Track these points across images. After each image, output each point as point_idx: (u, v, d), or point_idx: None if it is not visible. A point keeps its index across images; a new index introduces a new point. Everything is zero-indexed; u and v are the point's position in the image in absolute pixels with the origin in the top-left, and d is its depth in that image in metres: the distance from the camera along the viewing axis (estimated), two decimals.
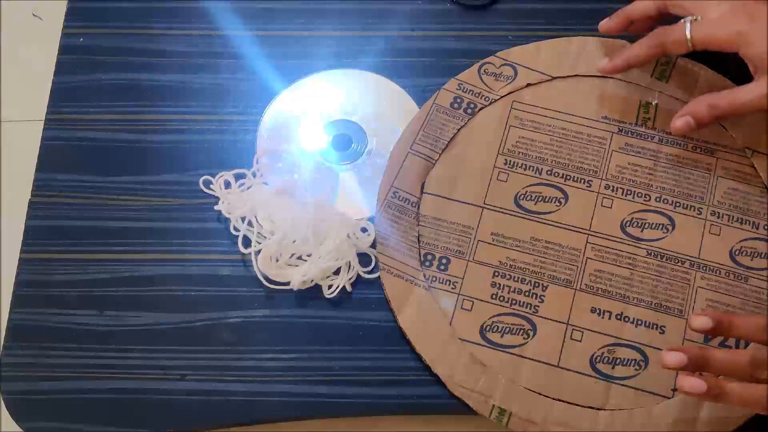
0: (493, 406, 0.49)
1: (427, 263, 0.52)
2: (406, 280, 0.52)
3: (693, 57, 0.57)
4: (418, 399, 0.50)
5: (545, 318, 0.51)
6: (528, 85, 0.57)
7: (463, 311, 0.51)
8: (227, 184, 0.55)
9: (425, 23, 0.61)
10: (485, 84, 0.57)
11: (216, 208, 0.54)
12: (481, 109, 0.56)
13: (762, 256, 0.51)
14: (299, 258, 0.52)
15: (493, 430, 0.57)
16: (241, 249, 0.53)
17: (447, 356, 0.50)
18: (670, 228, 0.52)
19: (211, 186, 0.55)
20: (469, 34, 0.59)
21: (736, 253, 0.51)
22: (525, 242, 0.52)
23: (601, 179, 0.54)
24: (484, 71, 0.57)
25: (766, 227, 0.52)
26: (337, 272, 0.53)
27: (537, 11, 0.60)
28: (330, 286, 0.52)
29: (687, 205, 0.53)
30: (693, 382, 0.44)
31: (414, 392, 0.50)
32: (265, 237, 0.53)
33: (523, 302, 0.51)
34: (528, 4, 0.61)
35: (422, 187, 0.54)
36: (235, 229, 0.53)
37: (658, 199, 0.53)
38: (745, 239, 0.52)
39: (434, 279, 0.52)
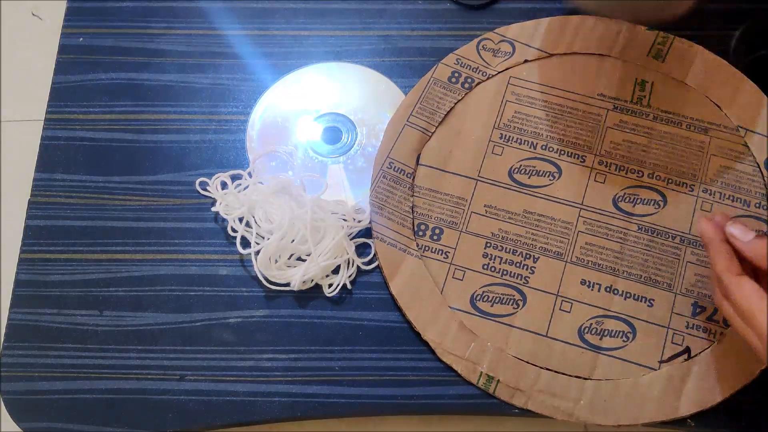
0: (481, 373, 0.49)
1: (420, 233, 0.53)
2: (399, 248, 0.52)
3: (691, 37, 0.57)
4: (418, 399, 0.50)
5: (535, 289, 0.51)
6: (525, 61, 0.57)
7: (454, 280, 0.51)
8: (224, 185, 0.55)
9: (425, 23, 0.61)
10: (483, 59, 0.57)
11: (213, 209, 0.54)
12: (478, 83, 0.57)
13: (753, 233, 0.52)
14: (298, 259, 0.52)
15: (491, 430, 0.58)
16: (240, 250, 0.53)
17: (437, 323, 0.50)
18: (661, 204, 0.53)
19: (207, 188, 0.55)
20: (469, 34, 0.59)
21: None
22: (518, 215, 0.53)
23: (595, 155, 0.54)
24: (483, 47, 0.58)
25: (757, 205, 0.52)
26: (336, 271, 0.53)
27: (537, 11, 0.60)
28: (330, 285, 0.52)
29: (679, 181, 0.53)
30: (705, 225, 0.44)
31: (414, 392, 0.50)
32: (263, 237, 0.52)
33: (514, 273, 0.52)
34: (528, 4, 0.61)
35: (418, 159, 0.55)
36: (233, 230, 0.53)
37: (650, 176, 0.53)
38: (736, 216, 0.52)
39: (427, 248, 0.52)
